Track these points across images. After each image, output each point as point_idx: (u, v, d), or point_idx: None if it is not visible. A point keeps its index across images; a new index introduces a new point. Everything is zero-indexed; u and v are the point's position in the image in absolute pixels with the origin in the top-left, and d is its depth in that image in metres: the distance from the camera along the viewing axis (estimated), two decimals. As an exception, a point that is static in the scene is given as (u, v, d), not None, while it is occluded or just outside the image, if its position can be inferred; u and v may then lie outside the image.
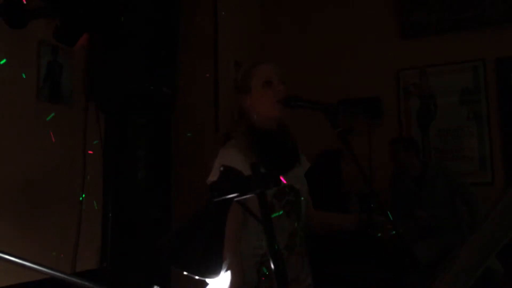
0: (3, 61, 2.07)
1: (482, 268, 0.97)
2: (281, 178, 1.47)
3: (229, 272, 0.87)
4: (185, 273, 0.80)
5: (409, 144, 3.44)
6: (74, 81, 2.55)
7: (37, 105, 2.35)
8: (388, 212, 1.68)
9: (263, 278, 1.48)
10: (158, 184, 3.28)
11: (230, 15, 3.67)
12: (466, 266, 0.98)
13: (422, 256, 3.07)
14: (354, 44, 4.20)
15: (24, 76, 2.25)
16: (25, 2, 2.13)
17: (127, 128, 2.96)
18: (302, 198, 1.60)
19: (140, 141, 3.19)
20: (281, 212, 1.51)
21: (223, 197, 0.82)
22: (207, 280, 0.84)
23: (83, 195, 2.57)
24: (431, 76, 4.03)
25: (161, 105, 2.99)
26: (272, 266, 0.83)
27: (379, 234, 1.57)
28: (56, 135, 2.45)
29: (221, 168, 0.89)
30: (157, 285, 0.88)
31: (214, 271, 0.82)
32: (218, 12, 3.50)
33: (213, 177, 1.47)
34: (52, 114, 2.41)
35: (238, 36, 3.81)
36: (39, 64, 2.36)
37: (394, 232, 1.54)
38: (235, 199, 0.83)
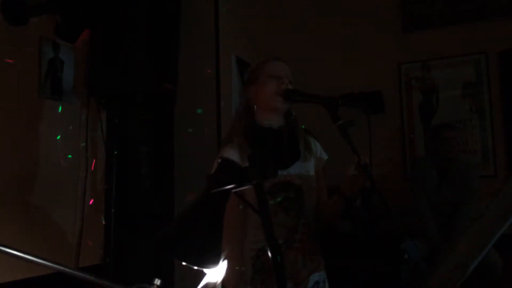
0: None
1: (480, 256, 0.97)
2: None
3: (226, 262, 0.88)
4: (183, 263, 0.81)
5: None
6: (75, 77, 2.55)
7: (39, 101, 2.36)
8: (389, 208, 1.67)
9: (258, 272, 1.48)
10: (160, 179, 3.29)
11: (232, 11, 3.66)
12: (465, 255, 0.99)
13: (421, 249, 3.07)
14: (356, 38, 4.19)
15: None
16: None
17: (129, 123, 2.96)
18: (305, 194, 1.59)
19: (142, 137, 3.19)
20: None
21: (221, 189, 0.83)
22: (205, 270, 0.84)
23: (85, 191, 2.59)
24: (433, 70, 4.02)
25: (163, 100, 3.00)
26: (269, 254, 0.83)
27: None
28: (58, 131, 2.46)
29: (219, 160, 0.90)
30: (160, 279, 0.89)
31: (212, 262, 0.83)
32: (220, 7, 3.50)
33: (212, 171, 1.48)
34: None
35: (239, 32, 3.81)
36: (41, 61, 2.36)
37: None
38: (233, 190, 0.84)
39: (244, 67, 3.67)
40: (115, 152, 2.63)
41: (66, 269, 0.95)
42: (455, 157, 3.30)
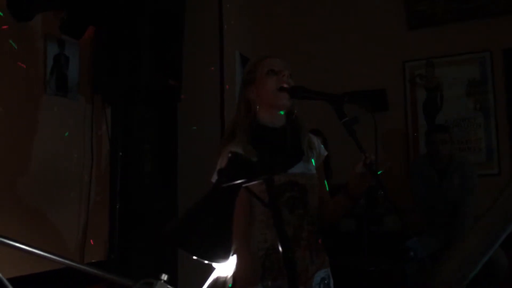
0: None
1: (488, 255, 0.96)
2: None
3: (236, 257, 0.88)
4: (194, 257, 0.81)
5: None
6: (80, 73, 2.56)
7: (44, 97, 2.37)
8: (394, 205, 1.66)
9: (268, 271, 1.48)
10: (164, 177, 3.30)
11: (235, 8, 3.66)
12: (470, 254, 0.98)
13: (426, 247, 3.07)
14: (360, 35, 4.18)
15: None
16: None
17: (133, 121, 2.97)
18: (309, 193, 1.59)
19: (146, 134, 3.20)
20: None
21: (231, 183, 0.83)
22: (214, 264, 0.84)
23: (90, 187, 2.59)
24: (437, 67, 4.01)
25: (167, 97, 3.01)
26: (280, 249, 0.83)
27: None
28: (63, 128, 2.46)
29: (229, 154, 0.89)
30: (165, 273, 0.89)
31: (222, 256, 0.83)
32: (223, 4, 3.49)
33: (219, 166, 1.48)
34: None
35: (243, 29, 3.80)
36: (46, 57, 2.37)
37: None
38: (243, 184, 0.84)
39: (248, 64, 3.67)
40: (120, 149, 2.63)
41: (77, 265, 0.95)
42: (448, 156, 3.31)
